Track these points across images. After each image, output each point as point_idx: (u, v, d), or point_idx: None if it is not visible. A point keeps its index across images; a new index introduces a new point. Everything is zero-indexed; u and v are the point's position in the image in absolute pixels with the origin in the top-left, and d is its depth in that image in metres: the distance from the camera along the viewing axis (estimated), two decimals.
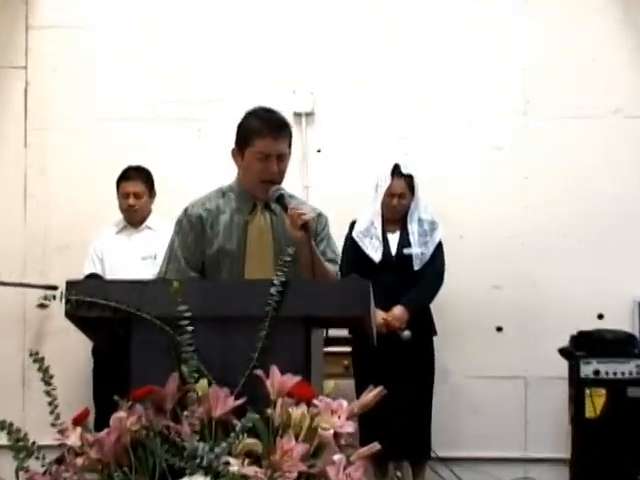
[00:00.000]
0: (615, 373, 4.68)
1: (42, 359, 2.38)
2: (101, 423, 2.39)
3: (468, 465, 5.16)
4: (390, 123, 5.37)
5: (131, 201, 4.96)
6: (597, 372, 4.70)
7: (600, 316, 5.19)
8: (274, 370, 2.34)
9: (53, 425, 2.36)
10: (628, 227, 5.28)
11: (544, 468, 5.19)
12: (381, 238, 4.74)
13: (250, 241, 3.01)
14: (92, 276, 4.76)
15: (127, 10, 5.55)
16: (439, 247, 4.78)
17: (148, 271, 4.41)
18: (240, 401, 2.33)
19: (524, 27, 5.40)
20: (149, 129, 5.42)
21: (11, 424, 2.35)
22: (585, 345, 4.78)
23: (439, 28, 5.43)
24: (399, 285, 4.64)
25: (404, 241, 4.74)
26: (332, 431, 2.28)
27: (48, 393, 2.37)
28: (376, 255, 4.71)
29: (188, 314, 2.44)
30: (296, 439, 2.25)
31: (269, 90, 5.14)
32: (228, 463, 2.21)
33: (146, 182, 5.00)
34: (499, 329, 5.30)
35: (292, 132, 3.08)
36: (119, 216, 5.06)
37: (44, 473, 2.35)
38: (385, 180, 4.70)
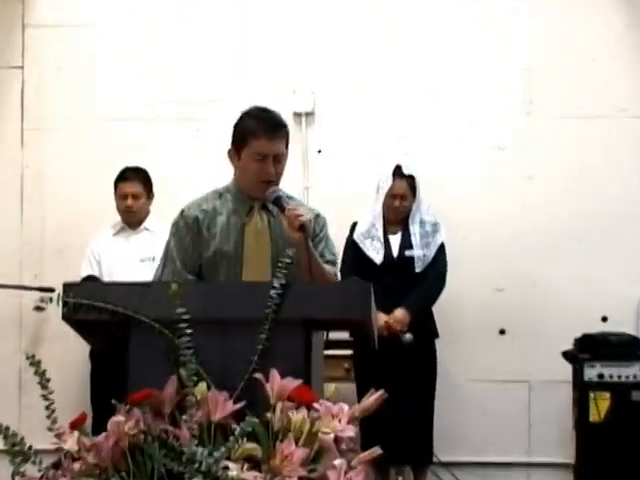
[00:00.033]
0: (620, 376, 4.66)
1: (39, 362, 2.37)
2: (99, 427, 2.38)
3: (471, 470, 5.15)
4: (390, 123, 5.37)
5: (129, 202, 4.94)
6: (601, 375, 4.67)
7: (604, 318, 5.18)
8: (274, 373, 2.33)
9: (50, 429, 2.35)
10: (632, 228, 5.27)
11: (548, 473, 5.18)
12: (382, 240, 4.72)
13: (247, 243, 2.98)
14: (89, 278, 4.75)
15: (126, 10, 5.55)
16: (441, 249, 4.76)
17: (146, 273, 4.31)
18: (239, 405, 2.32)
19: (524, 27, 5.41)
20: (149, 129, 5.42)
21: (7, 428, 2.33)
22: (589, 348, 4.76)
23: (439, 28, 5.44)
24: (401, 287, 4.62)
25: (406, 243, 4.72)
26: (333, 435, 2.27)
27: (45, 397, 2.36)
28: (377, 257, 4.70)
29: (187, 317, 2.42)
30: (296, 443, 2.24)
31: (269, 90, 5.14)
32: (227, 468, 2.20)
33: (144, 183, 4.99)
34: (502, 332, 5.29)
35: (289, 131, 3.04)
36: (117, 217, 5.04)
37: (41, 478, 2.34)
38: (386, 181, 4.69)
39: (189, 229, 3.00)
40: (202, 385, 2.34)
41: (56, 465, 2.35)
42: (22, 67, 5.55)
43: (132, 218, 5.00)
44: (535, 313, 5.24)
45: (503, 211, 5.31)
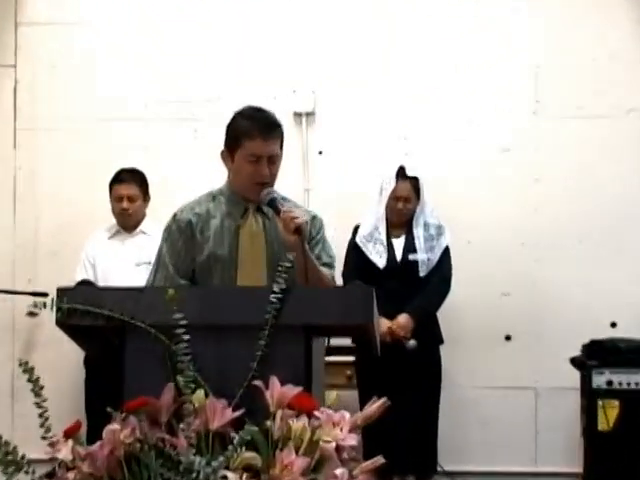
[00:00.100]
0: (629, 384, 4.61)
1: (32, 369, 2.36)
2: (93, 436, 2.37)
3: (476, 479, 5.12)
4: (391, 123, 5.38)
5: (124, 204, 4.92)
6: (610, 382, 4.62)
7: (613, 324, 5.15)
8: (274, 381, 2.32)
9: (43, 438, 2.34)
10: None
11: None
12: (385, 243, 4.68)
13: (242, 246, 2.96)
14: (84, 283, 4.72)
15: (124, 8, 5.54)
16: (446, 252, 4.72)
17: (142, 278, 4.26)
18: (238, 413, 2.31)
19: (524, 27, 5.42)
20: (148, 129, 5.41)
21: None
22: (597, 354, 4.71)
23: (439, 28, 5.46)
24: (404, 292, 4.58)
25: (409, 246, 4.69)
26: (334, 444, 2.26)
27: (38, 405, 2.36)
28: (380, 261, 4.65)
29: (184, 322, 2.41)
30: (296, 452, 2.23)
31: (269, 90, 5.16)
32: (226, 477, 2.19)
33: (140, 185, 4.97)
34: (508, 338, 5.26)
35: (284, 131, 3.01)
36: (112, 220, 5.02)
37: None
38: (390, 183, 4.66)
39: (182, 233, 2.98)
40: (200, 392, 2.33)
41: (50, 475, 2.35)
42: (15, 66, 5.53)
43: (128, 221, 4.97)
44: (542, 319, 5.22)
45: (508, 213, 5.28)
